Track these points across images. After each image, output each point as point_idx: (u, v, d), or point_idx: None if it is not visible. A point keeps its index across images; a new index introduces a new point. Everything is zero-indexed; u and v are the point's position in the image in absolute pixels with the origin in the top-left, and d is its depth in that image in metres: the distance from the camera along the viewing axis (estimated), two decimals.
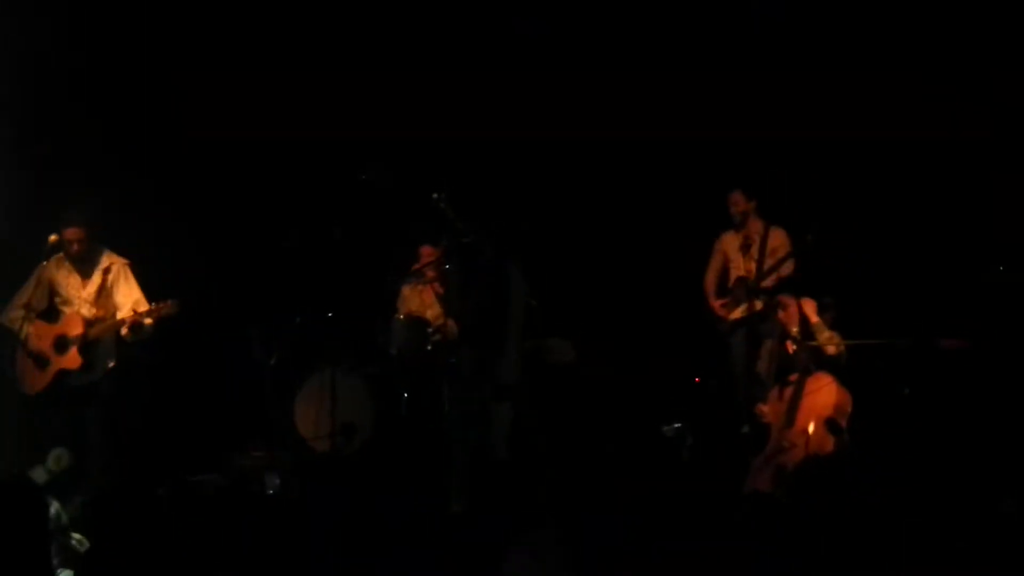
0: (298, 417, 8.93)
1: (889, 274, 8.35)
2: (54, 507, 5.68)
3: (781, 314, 7.41)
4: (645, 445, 8.21)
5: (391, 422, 8.80)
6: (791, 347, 7.27)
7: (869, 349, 7.39)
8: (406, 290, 9.27)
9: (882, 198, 8.70)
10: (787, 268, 8.39)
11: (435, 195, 8.00)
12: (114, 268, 7.95)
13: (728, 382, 8.58)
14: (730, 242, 8.84)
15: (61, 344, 7.84)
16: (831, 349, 7.25)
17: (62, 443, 7.75)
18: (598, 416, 8.44)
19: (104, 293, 7.92)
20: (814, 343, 7.24)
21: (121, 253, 8.07)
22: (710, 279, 8.89)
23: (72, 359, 7.81)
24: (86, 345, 7.81)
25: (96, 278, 7.93)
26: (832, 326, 7.41)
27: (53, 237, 7.83)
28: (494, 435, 7.57)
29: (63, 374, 7.83)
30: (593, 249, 9.57)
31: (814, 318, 7.34)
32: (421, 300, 9.24)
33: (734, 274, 8.75)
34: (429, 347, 8.81)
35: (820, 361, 7.26)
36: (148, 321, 7.73)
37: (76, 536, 5.76)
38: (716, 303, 8.80)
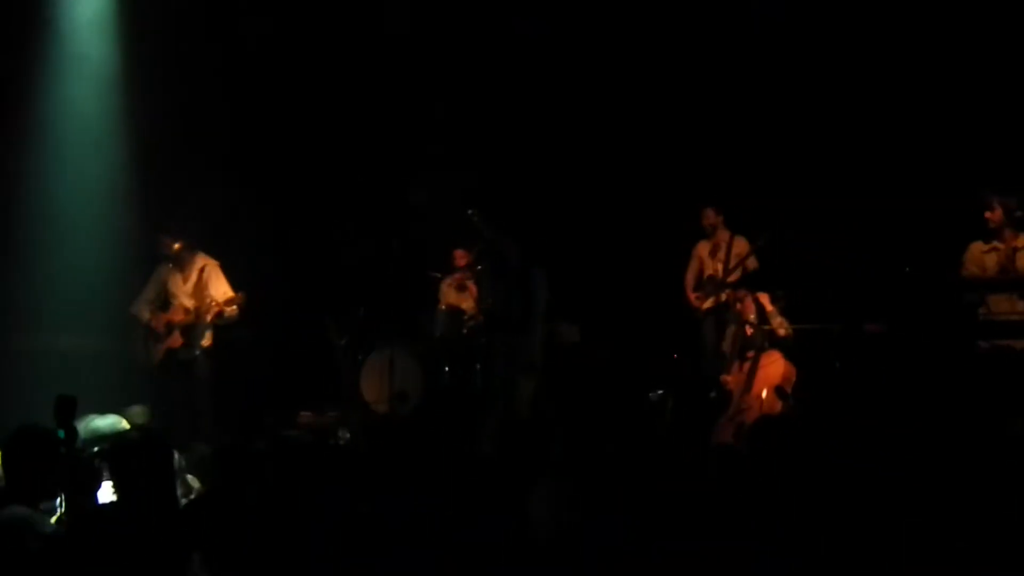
0: (363, 386, 9.01)
1: (825, 271, 8.11)
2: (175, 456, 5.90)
3: (739, 305, 7.61)
4: (635, 408, 8.16)
5: (436, 391, 8.87)
6: (749, 330, 7.46)
7: (810, 332, 7.53)
8: (445, 285, 9.35)
9: (818, 211, 8.63)
10: (752, 264, 8.50)
11: (470, 211, 8.11)
12: (208, 268, 8.27)
13: (700, 358, 8.61)
14: (703, 248, 8.89)
15: (169, 328, 8.22)
16: (781, 332, 7.44)
17: (176, 405, 8.10)
18: (598, 385, 8.46)
19: (200, 287, 8.22)
20: (768, 327, 7.42)
21: (219, 256, 8.36)
22: (688, 278, 8.93)
23: (175, 339, 8.20)
24: (186, 329, 8.19)
25: (193, 276, 8.26)
26: (783, 313, 7.56)
27: (177, 245, 8.20)
28: (518, 401, 7.59)
29: (171, 352, 8.21)
30: (594, 250, 9.57)
31: (768, 307, 7.51)
32: (458, 294, 9.31)
33: (706, 273, 8.80)
34: (465, 332, 8.98)
35: (773, 341, 7.43)
36: (229, 310, 8.09)
37: (190, 477, 5.84)
38: (692, 296, 8.86)
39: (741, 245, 8.66)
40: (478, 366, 8.60)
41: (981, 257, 7.29)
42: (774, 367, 7.25)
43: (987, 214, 7.21)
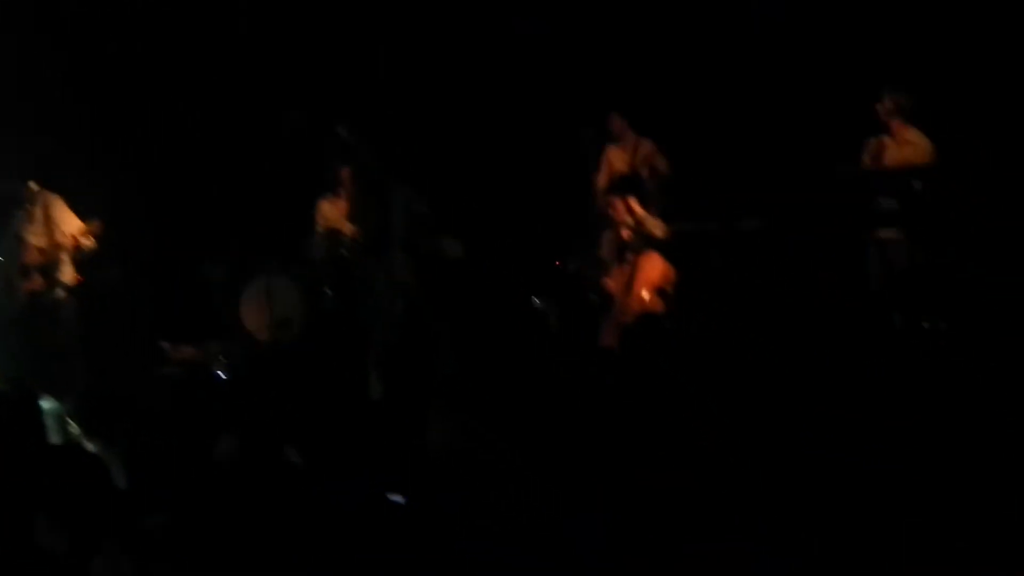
0: (243, 315, 8.85)
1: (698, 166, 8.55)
2: (51, 403, 5.69)
3: (611, 211, 7.67)
4: (522, 316, 8.27)
5: (319, 315, 8.77)
6: (625, 233, 7.48)
7: (687, 232, 7.61)
8: (324, 204, 9.13)
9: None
10: (662, 165, 8.55)
11: (339, 128, 8.02)
12: (51, 203, 7.98)
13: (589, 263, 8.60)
14: (612, 153, 8.87)
15: (26, 271, 7.97)
16: (657, 232, 7.45)
17: (48, 351, 7.88)
18: (485, 299, 8.50)
19: (48, 224, 7.94)
20: (643, 229, 7.44)
21: (76, 195, 8.08)
22: (600, 181, 8.82)
23: (35, 281, 7.95)
24: (44, 268, 7.94)
25: (38, 214, 7.97)
26: (658, 215, 7.60)
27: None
28: (388, 325, 7.63)
29: (34, 295, 7.96)
30: (474, 163, 9.52)
31: (638, 210, 7.52)
32: (338, 213, 9.08)
33: (616, 175, 8.64)
34: (344, 252, 8.84)
35: (651, 243, 7.44)
36: (84, 240, 7.85)
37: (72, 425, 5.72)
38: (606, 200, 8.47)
39: (647, 146, 8.72)
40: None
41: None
42: (653, 268, 7.29)
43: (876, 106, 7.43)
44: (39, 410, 4.41)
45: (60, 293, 8.01)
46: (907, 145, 7.40)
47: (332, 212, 9.15)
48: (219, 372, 7.80)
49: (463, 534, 3.96)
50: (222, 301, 8.91)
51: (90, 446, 5.18)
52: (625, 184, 7.85)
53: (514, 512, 4.07)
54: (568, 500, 4.21)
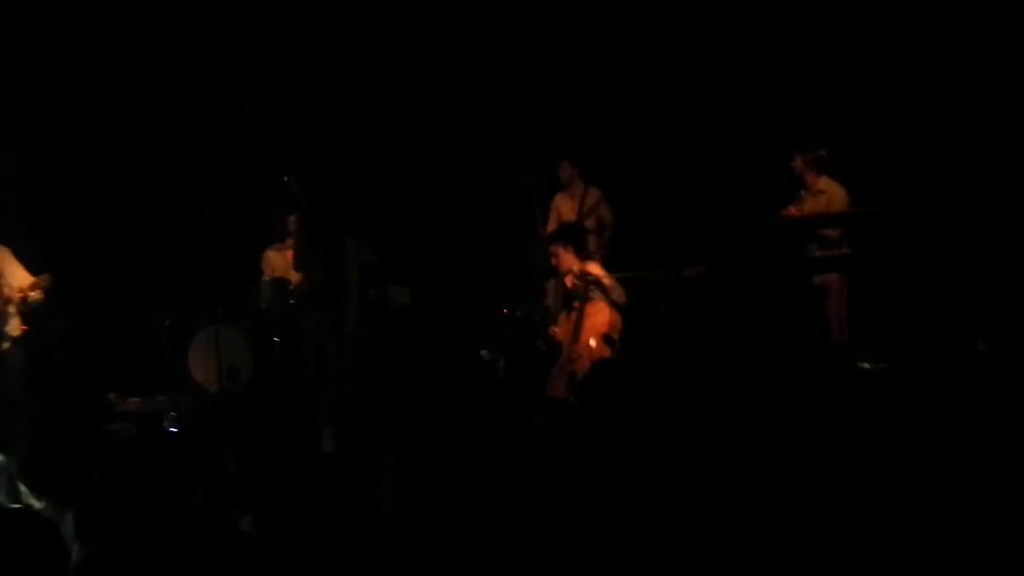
0: (191, 366, 8.84)
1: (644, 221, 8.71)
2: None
3: (554, 260, 7.78)
4: (469, 368, 8.33)
5: (267, 364, 8.77)
6: (569, 281, 7.59)
7: (632, 279, 7.69)
8: (271, 253, 9.19)
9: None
10: (607, 215, 8.73)
11: (286, 178, 8.04)
12: None
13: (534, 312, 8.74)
14: (560, 200, 8.99)
15: None
16: (605, 281, 7.50)
17: None
18: (430, 347, 8.53)
19: None
20: (589, 277, 7.49)
21: (17, 245, 7.92)
22: (549, 229, 8.82)
23: None
24: None
25: None
26: (601, 263, 7.74)
27: None
28: (334, 374, 7.66)
29: None
30: (420, 211, 9.63)
31: (575, 265, 7.59)
32: (285, 262, 9.15)
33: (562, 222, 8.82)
34: (292, 302, 8.87)
35: (602, 291, 7.49)
36: (33, 294, 7.69)
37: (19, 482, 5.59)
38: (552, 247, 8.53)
39: (594, 195, 8.86)
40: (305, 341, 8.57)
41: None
42: (600, 315, 7.39)
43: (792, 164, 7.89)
44: None
45: (5, 345, 7.91)
46: (821, 195, 7.82)
47: (279, 261, 9.19)
48: (169, 425, 7.74)
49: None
50: (169, 352, 8.82)
51: (38, 504, 5.17)
52: (569, 232, 7.98)
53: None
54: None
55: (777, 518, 4.18)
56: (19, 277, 7.80)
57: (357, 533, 4.47)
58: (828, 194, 7.78)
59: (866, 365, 7.28)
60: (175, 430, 7.63)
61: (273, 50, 9.68)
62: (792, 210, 7.80)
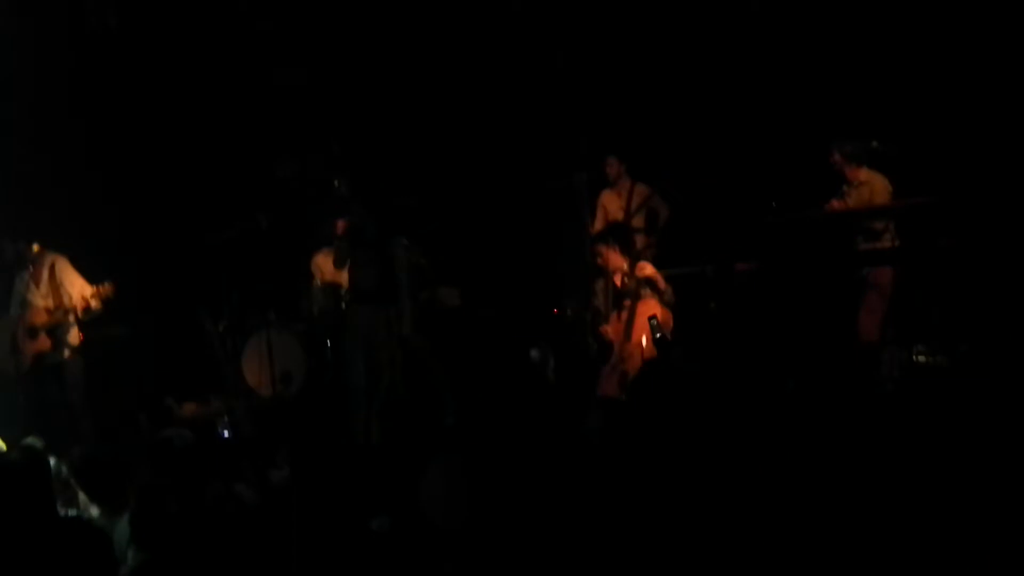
0: (245, 371, 8.91)
1: (697, 216, 8.61)
2: (54, 462, 5.75)
3: (600, 260, 7.78)
4: (519, 368, 8.28)
5: (320, 369, 8.81)
6: (618, 280, 7.57)
7: (683, 276, 7.72)
8: (320, 258, 9.12)
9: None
10: (663, 211, 8.73)
11: (335, 182, 8.06)
12: (57, 264, 8.07)
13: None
14: (607, 197, 8.99)
15: (33, 332, 8.03)
16: (653, 278, 7.52)
17: (52, 410, 7.92)
18: (482, 347, 8.54)
19: (54, 285, 8.02)
20: (640, 275, 7.50)
21: (79, 253, 8.17)
22: (596, 227, 8.93)
23: (43, 342, 8.03)
24: (51, 330, 8.02)
25: (44, 275, 8.06)
26: (651, 259, 7.73)
27: (36, 247, 8.01)
28: (390, 377, 7.66)
29: (39, 356, 8.03)
30: (470, 213, 9.60)
31: (622, 264, 7.65)
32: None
33: (610, 220, 8.86)
34: (343, 306, 8.74)
35: (653, 289, 7.51)
36: (93, 303, 7.89)
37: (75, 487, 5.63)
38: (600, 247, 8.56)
39: (642, 192, 8.82)
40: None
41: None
42: (650, 313, 7.32)
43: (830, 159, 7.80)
44: (49, 479, 4.41)
45: (65, 353, 8.05)
46: (863, 186, 7.72)
47: (329, 265, 9.09)
48: (223, 430, 7.82)
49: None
50: (223, 357, 8.93)
51: (94, 511, 5.25)
52: (615, 232, 7.96)
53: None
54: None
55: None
56: (78, 286, 7.98)
57: (408, 529, 4.50)
58: (870, 185, 7.68)
59: (922, 359, 7.18)
60: (228, 434, 7.72)
61: (324, 53, 9.74)
62: (835, 203, 7.68)
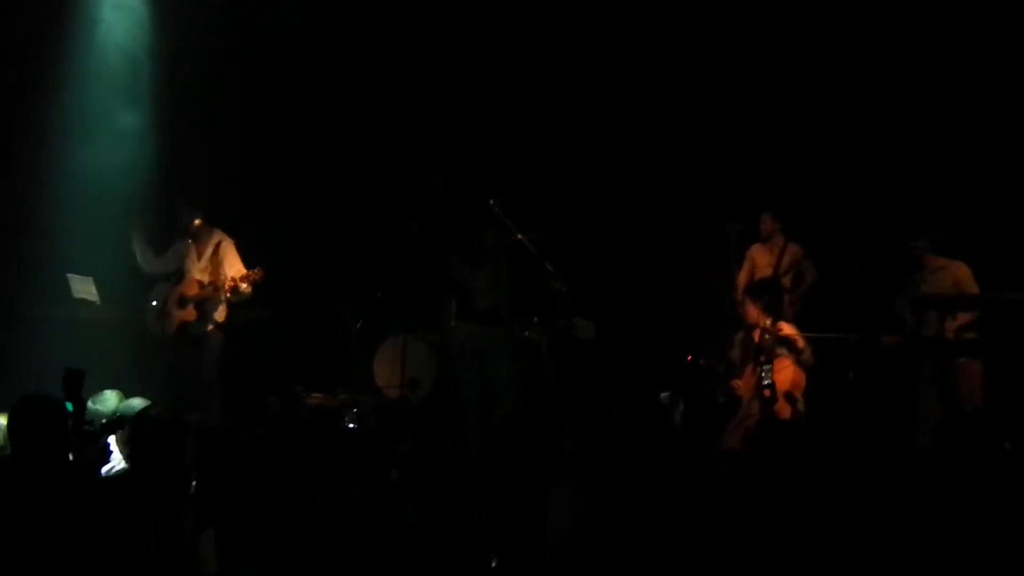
0: (375, 370, 9.07)
1: (842, 282, 8.52)
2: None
3: (742, 312, 7.71)
4: (646, 408, 8.23)
5: (448, 381, 8.77)
6: (758, 336, 7.50)
7: (825, 341, 7.62)
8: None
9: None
10: (810, 273, 8.72)
11: (492, 201, 8.17)
12: (223, 244, 8.38)
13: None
14: (757, 252, 8.96)
15: (183, 302, 8.34)
16: (787, 332, 7.42)
17: (186, 379, 8.22)
18: (609, 383, 8.53)
19: (215, 263, 8.32)
20: (778, 332, 7.40)
21: (237, 235, 8.47)
22: (741, 279, 8.91)
23: (189, 313, 8.32)
24: (200, 302, 8.31)
25: (208, 251, 8.38)
26: (793, 320, 7.66)
27: (198, 221, 8.34)
28: (498, 397, 7.74)
29: (184, 325, 8.33)
30: (614, 250, 9.71)
31: (764, 320, 7.50)
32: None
33: (757, 276, 8.77)
34: (452, 323, 8.71)
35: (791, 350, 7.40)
36: (244, 286, 8.17)
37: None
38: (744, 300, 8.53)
39: (794, 252, 8.79)
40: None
41: None
42: (784, 373, 7.26)
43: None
44: (184, 434, 4.60)
45: (209, 327, 8.34)
46: (940, 271, 7.77)
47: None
48: (348, 423, 7.97)
49: None
50: (357, 353, 9.11)
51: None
52: (763, 288, 7.88)
53: None
54: None
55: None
56: (235, 268, 8.29)
57: (524, 553, 4.50)
58: (948, 270, 7.68)
59: (1008, 446, 6.92)
60: (352, 427, 7.86)
61: (485, 71, 9.91)
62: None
